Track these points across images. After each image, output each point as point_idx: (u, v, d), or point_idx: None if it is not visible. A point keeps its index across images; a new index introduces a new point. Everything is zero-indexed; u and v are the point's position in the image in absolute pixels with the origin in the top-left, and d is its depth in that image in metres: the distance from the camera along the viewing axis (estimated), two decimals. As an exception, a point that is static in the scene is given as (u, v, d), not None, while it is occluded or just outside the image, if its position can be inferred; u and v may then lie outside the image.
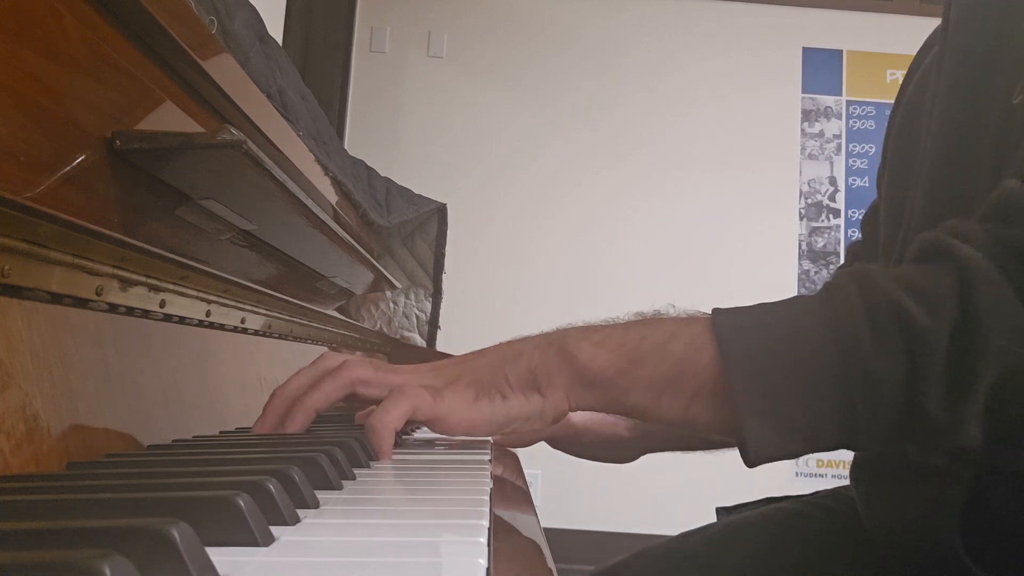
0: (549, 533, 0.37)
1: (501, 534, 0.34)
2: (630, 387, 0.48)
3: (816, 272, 3.04)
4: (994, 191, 0.45)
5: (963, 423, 0.41)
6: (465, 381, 0.51)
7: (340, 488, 0.40)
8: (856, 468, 0.69)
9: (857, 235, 0.81)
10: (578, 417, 0.74)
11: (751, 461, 0.45)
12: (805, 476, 2.94)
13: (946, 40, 0.60)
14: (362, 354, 1.28)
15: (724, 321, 0.46)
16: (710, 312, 0.47)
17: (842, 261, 2.13)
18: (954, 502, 0.52)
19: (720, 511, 0.80)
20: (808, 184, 3.12)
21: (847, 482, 0.71)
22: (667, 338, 0.47)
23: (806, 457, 3.02)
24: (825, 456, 2.89)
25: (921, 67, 0.69)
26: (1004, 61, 0.53)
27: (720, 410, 0.45)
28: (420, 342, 1.70)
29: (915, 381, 0.41)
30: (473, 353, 0.55)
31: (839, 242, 3.07)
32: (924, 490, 0.56)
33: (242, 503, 0.27)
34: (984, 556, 0.52)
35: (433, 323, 1.74)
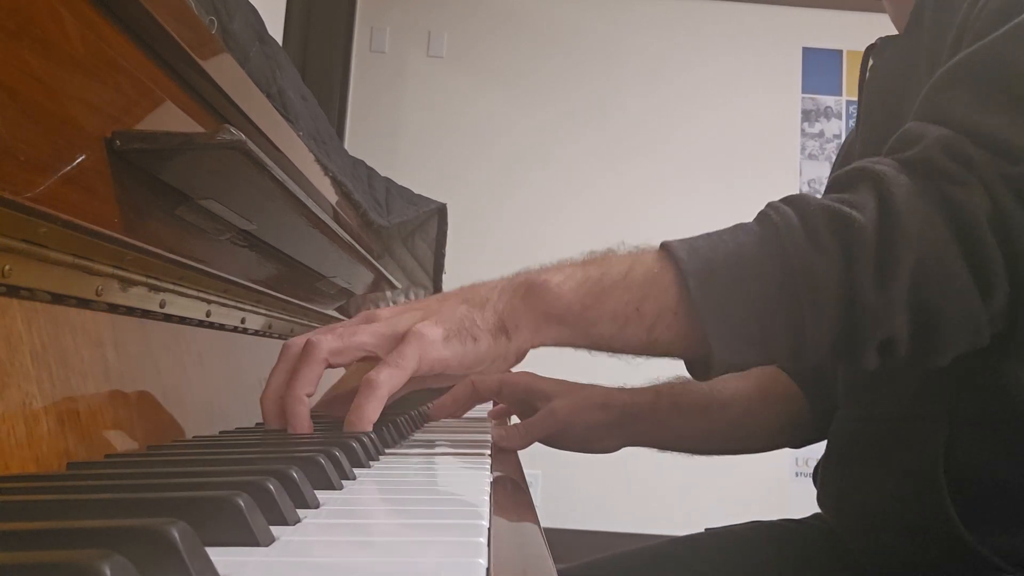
0: (549, 533, 0.37)
1: (501, 534, 0.34)
2: (596, 319, 0.51)
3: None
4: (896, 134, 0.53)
5: (892, 307, 0.47)
6: (434, 320, 0.52)
7: (340, 488, 0.40)
8: (823, 467, 0.70)
9: None
10: (563, 412, 0.75)
11: (712, 372, 0.50)
12: (805, 476, 2.94)
13: (861, 100, 0.73)
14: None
15: (678, 246, 0.51)
16: (660, 244, 0.52)
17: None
18: (933, 463, 0.55)
19: (709, 531, 0.81)
20: (808, 184, 3.12)
21: None
22: (626, 269, 0.51)
23: (806, 457, 3.02)
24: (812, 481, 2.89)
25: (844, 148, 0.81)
26: (901, 106, 0.62)
27: (681, 329, 0.50)
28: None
29: (850, 271, 0.47)
30: (434, 297, 0.57)
31: (839, 242, 3.07)
32: (903, 462, 0.58)
33: (242, 503, 0.27)
34: (974, 517, 0.53)
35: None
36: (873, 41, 0.72)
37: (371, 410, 0.52)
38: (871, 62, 0.72)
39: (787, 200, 0.51)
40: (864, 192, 0.49)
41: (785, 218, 0.49)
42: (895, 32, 0.71)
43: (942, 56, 0.57)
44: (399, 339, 0.52)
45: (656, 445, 0.82)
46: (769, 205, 0.52)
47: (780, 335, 0.49)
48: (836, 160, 0.83)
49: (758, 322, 0.49)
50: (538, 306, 0.52)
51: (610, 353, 0.54)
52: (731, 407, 0.78)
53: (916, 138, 0.51)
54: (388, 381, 0.51)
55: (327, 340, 0.53)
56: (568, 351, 0.55)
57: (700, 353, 0.51)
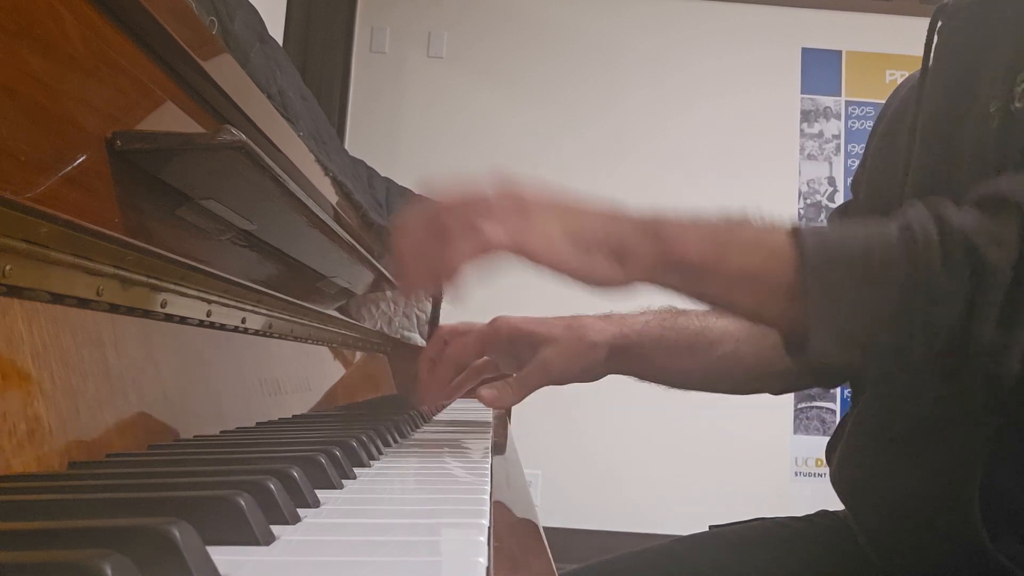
0: (549, 533, 0.37)
1: (501, 534, 0.34)
2: (712, 277, 0.52)
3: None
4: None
5: (1010, 349, 0.46)
6: (558, 224, 0.52)
7: (340, 487, 0.40)
8: (842, 448, 0.69)
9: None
10: (556, 362, 0.72)
11: (809, 359, 0.51)
12: (804, 476, 2.94)
13: (926, 72, 0.68)
14: (363, 354, 1.28)
15: (808, 233, 0.50)
16: (791, 226, 0.52)
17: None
18: (970, 470, 0.54)
19: (712, 528, 0.81)
20: (807, 184, 3.12)
21: None
22: (753, 239, 0.52)
23: (805, 456, 3.02)
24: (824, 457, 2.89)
25: (899, 97, 0.75)
26: (979, 83, 0.60)
27: (790, 310, 0.50)
28: (420, 342, 1.70)
29: (975, 303, 0.46)
30: (570, 203, 0.55)
31: (839, 242, 3.07)
32: (936, 461, 0.57)
33: (243, 503, 0.27)
34: (1000, 527, 0.53)
35: (433, 323, 1.74)
36: (944, 2, 0.68)
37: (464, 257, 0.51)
38: (939, 23, 0.68)
39: (934, 212, 0.49)
40: (1007, 224, 0.47)
41: (926, 233, 0.48)
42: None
43: None
44: (527, 212, 0.52)
45: (637, 375, 0.80)
46: (914, 212, 0.50)
47: (883, 347, 0.49)
48: (868, 149, 0.79)
49: (864, 329, 0.49)
50: (659, 247, 0.52)
51: (713, 309, 0.56)
52: (718, 347, 0.77)
53: None
54: (494, 237, 0.51)
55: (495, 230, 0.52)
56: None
57: (798, 338, 0.51)
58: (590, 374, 0.76)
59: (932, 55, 0.67)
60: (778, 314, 0.52)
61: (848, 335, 0.49)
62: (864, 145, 0.81)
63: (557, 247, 0.52)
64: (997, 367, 0.47)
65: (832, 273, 0.49)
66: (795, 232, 0.51)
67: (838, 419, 2.92)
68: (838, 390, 2.91)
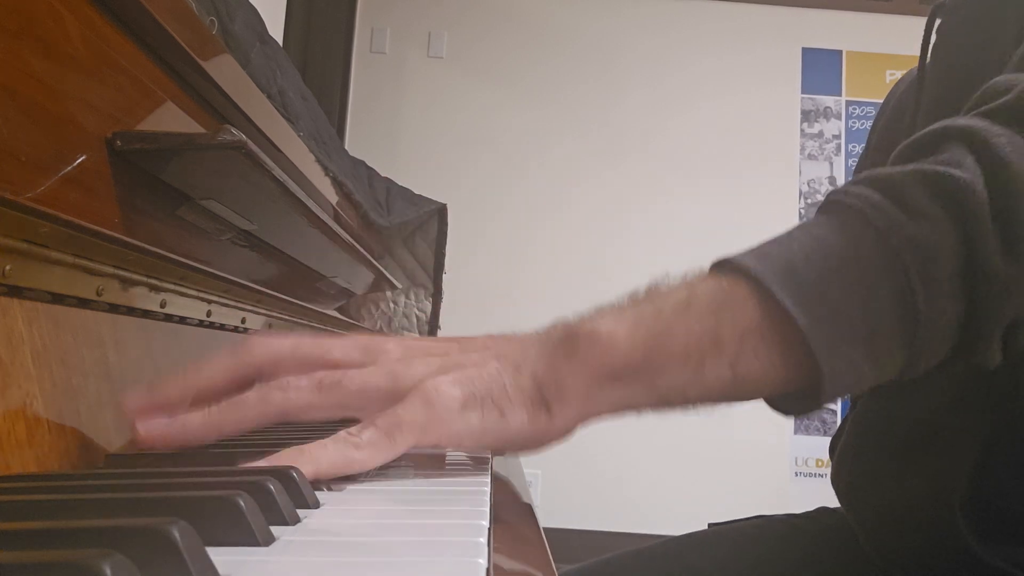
0: (549, 533, 0.37)
1: (501, 534, 0.34)
2: (664, 365, 0.39)
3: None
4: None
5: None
6: (453, 377, 0.40)
7: (340, 488, 0.40)
8: (841, 447, 0.69)
9: None
10: None
11: (823, 394, 0.39)
12: (804, 476, 2.94)
13: (924, 68, 0.64)
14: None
15: (742, 257, 0.40)
16: (715, 263, 0.41)
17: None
18: (956, 474, 0.53)
19: (712, 527, 0.81)
20: (808, 184, 3.12)
21: None
22: (687, 296, 0.40)
23: (805, 456, 3.02)
24: (825, 455, 2.89)
25: (898, 94, 0.74)
26: (978, 82, 0.54)
27: (772, 351, 0.39)
28: (420, 342, 1.70)
29: (967, 237, 0.38)
30: (458, 340, 0.45)
31: (839, 242, 3.08)
32: (927, 465, 0.57)
33: (242, 503, 0.27)
34: (988, 533, 0.53)
35: (433, 323, 1.74)
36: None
37: (313, 469, 0.37)
38: (938, 21, 0.64)
39: (855, 181, 0.41)
40: (954, 150, 0.40)
41: (863, 198, 0.39)
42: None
43: None
44: (400, 396, 0.39)
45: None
46: (833, 192, 0.41)
47: (892, 327, 0.38)
48: (868, 145, 0.76)
49: (863, 314, 0.38)
50: (587, 364, 0.39)
51: (685, 409, 0.42)
52: None
53: (1005, 88, 0.42)
54: (367, 458, 0.38)
55: (300, 391, 0.40)
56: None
57: (803, 376, 0.39)
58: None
59: (930, 53, 0.65)
60: (763, 366, 0.39)
61: (850, 336, 0.38)
62: (865, 144, 0.81)
63: (455, 416, 0.39)
64: (1018, 306, 0.38)
65: (794, 276, 0.38)
66: (723, 263, 0.41)
67: (839, 419, 2.92)
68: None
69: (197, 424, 0.40)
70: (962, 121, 0.41)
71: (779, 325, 0.38)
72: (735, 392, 0.41)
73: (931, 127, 0.42)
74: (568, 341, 0.40)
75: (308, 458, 0.38)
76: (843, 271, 0.38)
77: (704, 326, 0.39)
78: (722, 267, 0.41)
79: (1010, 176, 0.38)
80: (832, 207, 0.41)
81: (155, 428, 0.41)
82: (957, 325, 0.39)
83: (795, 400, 0.41)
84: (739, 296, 0.39)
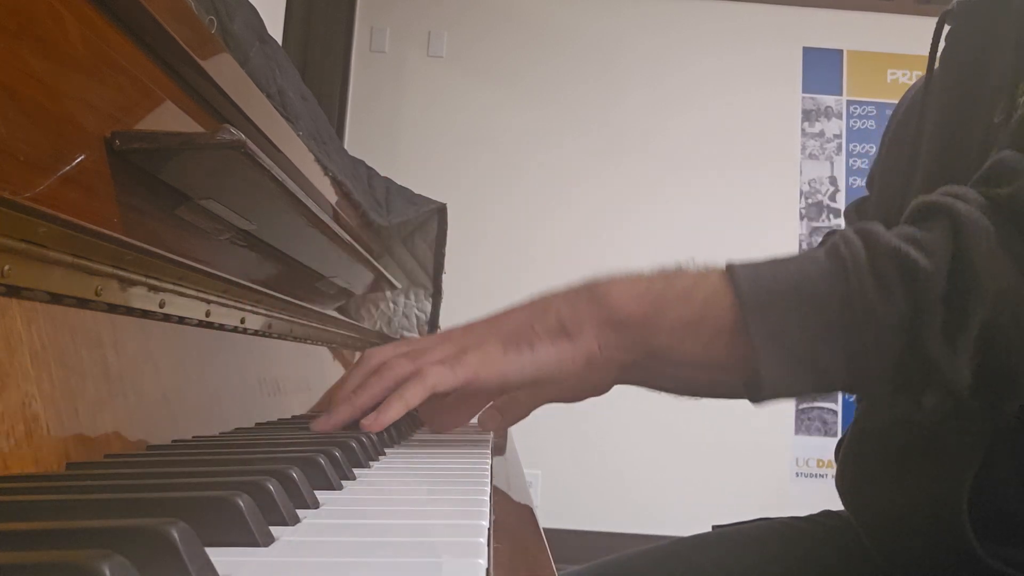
0: (549, 533, 0.37)
1: (501, 534, 0.34)
2: (656, 329, 0.51)
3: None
4: (987, 162, 0.50)
5: (957, 359, 0.45)
6: (492, 338, 0.53)
7: (340, 488, 0.40)
8: (844, 449, 0.69)
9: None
10: (552, 387, 0.72)
11: (763, 395, 0.50)
12: (805, 476, 2.94)
13: (931, 73, 0.67)
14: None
15: (740, 271, 0.50)
16: (725, 265, 0.51)
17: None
18: (960, 479, 0.54)
19: (716, 528, 0.80)
20: (809, 184, 3.12)
21: None
22: (690, 286, 0.51)
23: (806, 457, 3.02)
24: (826, 456, 2.89)
25: (908, 98, 0.76)
26: (983, 89, 0.59)
27: (736, 350, 0.49)
28: (420, 342, 1.70)
29: (915, 319, 0.45)
30: (501, 312, 0.57)
31: (839, 242, 3.07)
32: (930, 469, 0.57)
33: (242, 503, 0.27)
34: (990, 536, 0.53)
35: (433, 323, 1.74)
36: (950, 5, 0.67)
37: (395, 411, 0.53)
38: (947, 28, 0.67)
39: (859, 231, 0.49)
40: (939, 232, 0.46)
41: (854, 253, 0.47)
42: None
43: None
44: (452, 361, 0.53)
45: (645, 386, 0.78)
46: (840, 235, 0.49)
47: (836, 370, 0.48)
48: (880, 149, 0.79)
49: (812, 354, 0.48)
50: (599, 310, 0.52)
51: (672, 374, 0.55)
52: None
53: (1010, 174, 0.48)
54: (435, 377, 0.52)
55: (401, 362, 0.54)
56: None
57: (752, 376, 0.50)
58: (599, 390, 0.75)
59: (938, 59, 0.67)
60: (726, 357, 0.51)
61: (796, 364, 0.48)
62: (867, 144, 0.81)
63: (498, 358, 0.52)
64: (949, 379, 0.45)
65: (771, 307, 0.48)
66: (728, 271, 0.50)
67: (839, 420, 2.92)
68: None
69: (351, 410, 0.56)
70: (960, 205, 0.47)
71: (743, 338, 0.49)
72: (706, 367, 0.52)
73: (936, 196, 0.49)
74: (588, 290, 0.53)
75: (398, 396, 0.54)
76: (809, 316, 0.48)
77: (692, 312, 0.51)
78: (728, 271, 0.50)
79: (970, 277, 0.45)
80: (832, 251, 0.49)
81: (323, 422, 0.56)
82: (895, 382, 0.48)
83: (749, 389, 0.51)
84: (725, 302, 0.50)
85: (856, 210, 0.82)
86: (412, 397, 0.53)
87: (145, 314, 0.53)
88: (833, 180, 3.11)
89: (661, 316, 0.51)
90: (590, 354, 0.53)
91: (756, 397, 0.51)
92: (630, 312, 0.51)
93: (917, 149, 0.66)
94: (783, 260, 0.51)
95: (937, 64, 0.67)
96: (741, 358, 0.50)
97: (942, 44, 0.67)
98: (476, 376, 0.52)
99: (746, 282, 0.49)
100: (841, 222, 3.08)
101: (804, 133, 3.13)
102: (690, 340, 0.51)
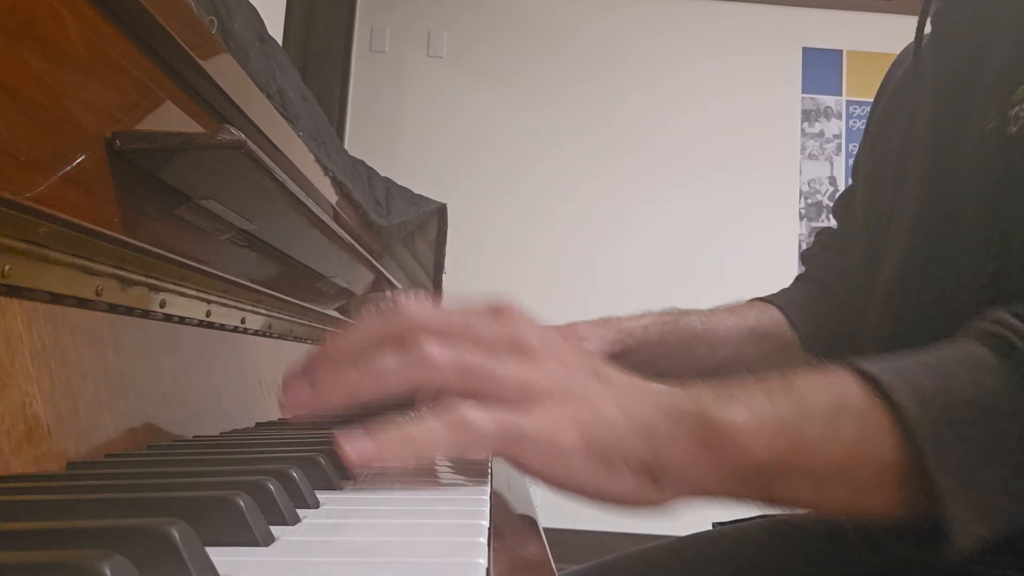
0: (549, 533, 0.37)
1: (501, 534, 0.34)
2: (789, 476, 0.38)
3: (816, 272, 3.05)
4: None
5: None
6: (576, 420, 0.37)
7: (340, 488, 0.40)
8: None
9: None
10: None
11: (943, 557, 0.38)
12: (805, 476, 2.94)
13: (919, 58, 0.63)
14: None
15: (900, 389, 0.37)
16: (868, 369, 0.39)
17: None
18: None
19: (716, 526, 0.80)
20: (808, 184, 3.12)
21: None
22: (830, 411, 0.38)
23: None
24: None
25: (895, 78, 0.72)
26: (976, 89, 0.55)
27: (907, 499, 0.38)
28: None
29: None
30: (595, 368, 0.41)
31: (839, 242, 3.08)
32: None
33: (242, 503, 0.27)
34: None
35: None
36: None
37: (395, 458, 0.36)
38: (934, 8, 0.63)
39: (1015, 314, 0.39)
40: None
41: None
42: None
43: None
44: (529, 399, 0.37)
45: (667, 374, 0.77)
46: (998, 322, 0.40)
47: None
48: (868, 129, 0.76)
49: (1009, 492, 0.37)
50: (721, 461, 0.38)
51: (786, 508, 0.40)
52: (720, 348, 0.74)
53: None
54: (482, 437, 0.36)
55: (439, 372, 0.37)
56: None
57: (927, 522, 0.38)
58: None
59: (929, 40, 0.63)
60: (890, 506, 0.39)
61: (992, 507, 0.37)
62: (864, 128, 0.80)
63: (577, 460, 0.37)
64: None
65: (956, 441, 0.36)
66: (874, 382, 0.38)
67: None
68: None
69: (336, 392, 0.39)
70: None
71: (922, 485, 0.37)
72: (844, 511, 0.41)
73: None
74: (702, 429, 0.38)
75: (407, 440, 0.36)
76: (1007, 440, 0.36)
77: (842, 455, 0.37)
78: (871, 384, 0.38)
79: None
80: (998, 346, 0.38)
81: (297, 396, 0.39)
82: None
83: (925, 544, 0.39)
84: (887, 439, 0.37)
85: (843, 206, 0.81)
86: (426, 447, 0.36)
87: (146, 314, 0.53)
88: (832, 180, 3.12)
89: (801, 462, 0.37)
90: (659, 508, 0.40)
91: (932, 555, 0.39)
92: (762, 464, 0.37)
93: (907, 147, 0.65)
94: (938, 362, 0.39)
95: (927, 45, 0.64)
96: (914, 508, 0.38)
97: (931, 29, 0.64)
98: (542, 471, 0.37)
99: (913, 405, 0.37)
100: (841, 222, 3.09)
101: (804, 133, 3.13)
102: (833, 486, 0.38)
